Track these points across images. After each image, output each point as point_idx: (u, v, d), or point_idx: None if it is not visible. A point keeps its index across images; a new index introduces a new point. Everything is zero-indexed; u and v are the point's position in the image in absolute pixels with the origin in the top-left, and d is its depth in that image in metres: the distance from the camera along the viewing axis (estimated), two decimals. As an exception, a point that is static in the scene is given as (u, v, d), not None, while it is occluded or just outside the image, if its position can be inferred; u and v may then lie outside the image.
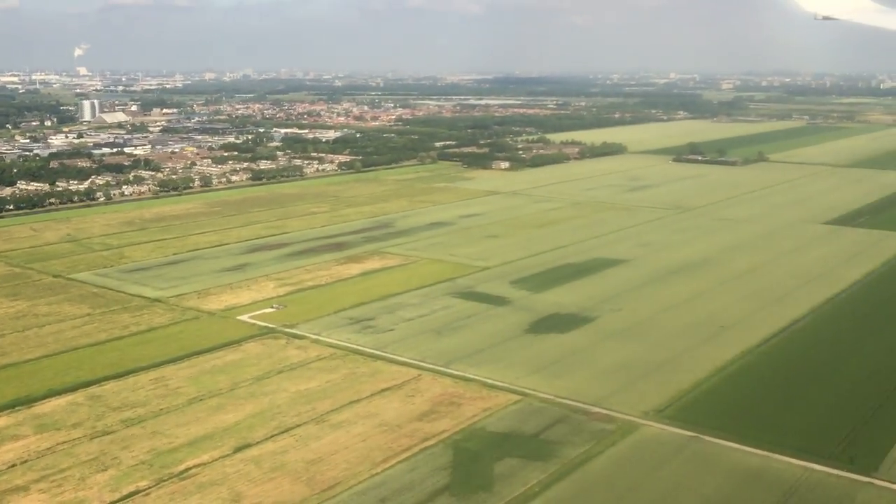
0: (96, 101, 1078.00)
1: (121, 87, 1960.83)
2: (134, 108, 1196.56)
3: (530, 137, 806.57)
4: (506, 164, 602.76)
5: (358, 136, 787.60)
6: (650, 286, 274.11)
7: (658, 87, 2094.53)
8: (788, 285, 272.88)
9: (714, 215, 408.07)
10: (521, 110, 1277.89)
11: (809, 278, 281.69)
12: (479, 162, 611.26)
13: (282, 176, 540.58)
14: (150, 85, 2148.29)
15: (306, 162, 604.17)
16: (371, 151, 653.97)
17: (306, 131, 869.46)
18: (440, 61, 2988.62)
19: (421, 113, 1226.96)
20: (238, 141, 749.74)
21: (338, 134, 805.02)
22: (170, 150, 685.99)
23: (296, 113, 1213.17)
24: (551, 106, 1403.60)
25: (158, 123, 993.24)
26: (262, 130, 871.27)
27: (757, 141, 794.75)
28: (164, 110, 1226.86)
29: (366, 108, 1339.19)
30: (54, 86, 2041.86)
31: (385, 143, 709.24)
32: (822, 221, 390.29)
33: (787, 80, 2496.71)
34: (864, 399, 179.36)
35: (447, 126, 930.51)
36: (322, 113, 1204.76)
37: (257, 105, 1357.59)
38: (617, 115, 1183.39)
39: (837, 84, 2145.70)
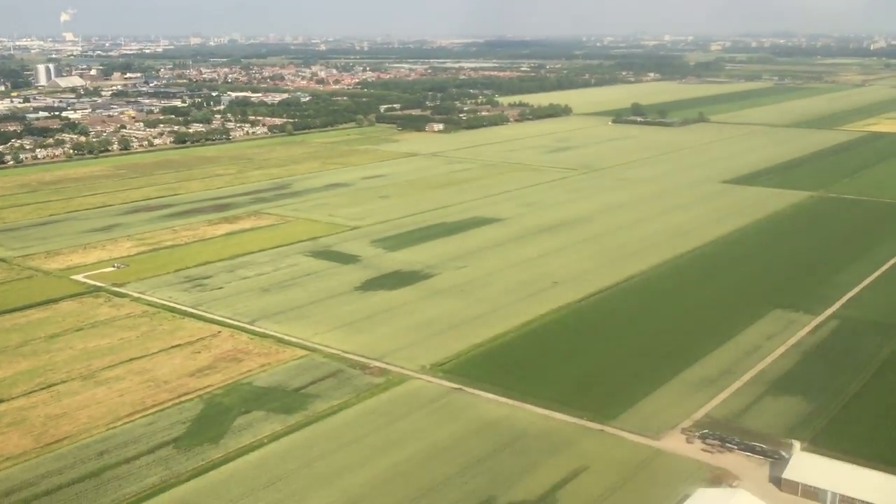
0: (51, 66, 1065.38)
1: (98, 52, 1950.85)
2: (94, 72, 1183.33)
3: (478, 100, 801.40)
4: (440, 127, 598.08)
5: (305, 99, 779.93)
6: (510, 244, 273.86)
7: (646, 49, 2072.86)
8: (646, 243, 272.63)
9: (618, 175, 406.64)
10: (493, 73, 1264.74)
11: (671, 236, 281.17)
12: (415, 124, 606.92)
13: (207, 139, 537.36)
14: (131, 50, 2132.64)
15: (239, 125, 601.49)
16: (310, 115, 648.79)
17: (260, 95, 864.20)
18: (433, 25, 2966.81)
19: (388, 76, 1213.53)
20: (184, 104, 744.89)
21: (284, 97, 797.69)
22: (108, 113, 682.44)
23: (260, 77, 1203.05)
24: (525, 68, 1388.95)
25: (114, 87, 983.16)
26: (215, 94, 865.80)
27: (711, 102, 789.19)
28: (129, 74, 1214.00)
29: (334, 71, 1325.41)
30: (33, 51, 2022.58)
31: (328, 107, 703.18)
32: (721, 181, 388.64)
33: (782, 41, 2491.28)
34: (637, 356, 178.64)
35: (405, 89, 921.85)
36: (286, 77, 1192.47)
37: (225, 69, 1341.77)
38: (586, 77, 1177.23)
39: (829, 45, 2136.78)
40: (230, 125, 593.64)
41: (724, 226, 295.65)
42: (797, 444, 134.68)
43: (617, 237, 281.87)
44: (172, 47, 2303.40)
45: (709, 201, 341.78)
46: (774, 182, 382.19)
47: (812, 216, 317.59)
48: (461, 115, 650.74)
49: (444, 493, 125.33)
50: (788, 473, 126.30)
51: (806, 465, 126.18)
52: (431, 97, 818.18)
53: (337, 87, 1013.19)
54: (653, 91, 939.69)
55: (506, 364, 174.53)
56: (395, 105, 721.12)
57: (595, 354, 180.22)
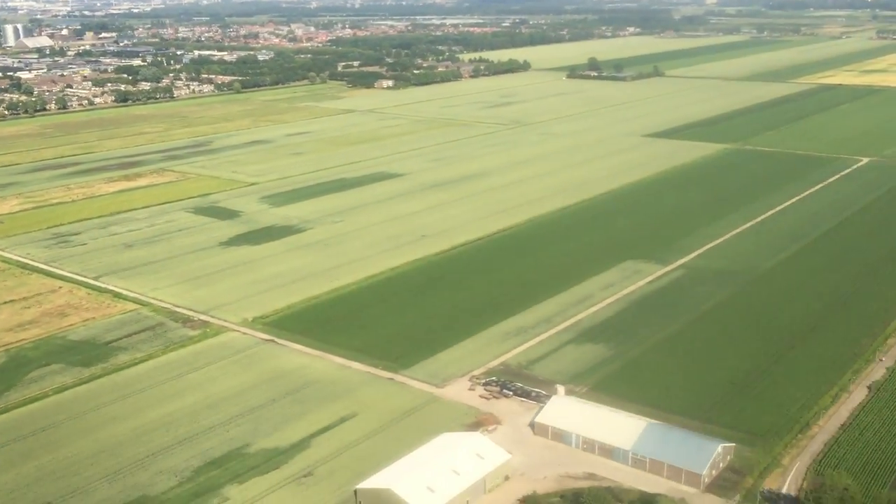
0: (20, 26, 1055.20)
1: (85, 13, 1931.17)
2: (65, 32, 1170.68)
3: (440, 56, 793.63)
4: (389, 83, 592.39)
5: (264, 57, 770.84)
6: (399, 199, 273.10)
7: (640, 3, 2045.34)
8: (536, 196, 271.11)
9: (544, 130, 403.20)
10: (473, 29, 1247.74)
11: (564, 189, 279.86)
12: (364, 81, 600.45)
13: (150, 98, 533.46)
14: (119, 10, 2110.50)
15: (188, 84, 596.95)
16: (263, 73, 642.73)
17: (225, 53, 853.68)
18: None
19: (366, 33, 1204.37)
20: (143, 64, 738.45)
21: (242, 55, 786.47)
22: (63, 73, 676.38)
23: (235, 35, 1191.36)
24: (506, 24, 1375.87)
25: (82, 47, 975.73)
26: (180, 53, 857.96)
27: (678, 56, 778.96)
28: (103, 34, 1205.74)
29: (312, 29, 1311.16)
30: (20, 12, 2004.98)
31: (284, 65, 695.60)
32: (644, 134, 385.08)
33: None
34: (465, 308, 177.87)
35: (373, 46, 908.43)
36: (261, 35, 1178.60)
37: (203, 28, 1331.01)
38: (563, 32, 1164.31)
39: None
40: (179, 83, 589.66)
41: (623, 179, 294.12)
42: (561, 389, 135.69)
43: (510, 191, 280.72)
44: (163, 6, 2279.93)
45: (619, 155, 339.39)
46: (696, 135, 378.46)
47: (714, 169, 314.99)
48: (415, 72, 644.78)
49: (200, 441, 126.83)
50: (540, 417, 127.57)
51: (558, 410, 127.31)
52: (396, 54, 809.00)
53: (308, 44, 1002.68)
54: (625, 46, 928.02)
55: (330, 316, 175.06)
56: (353, 62, 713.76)
57: (423, 307, 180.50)
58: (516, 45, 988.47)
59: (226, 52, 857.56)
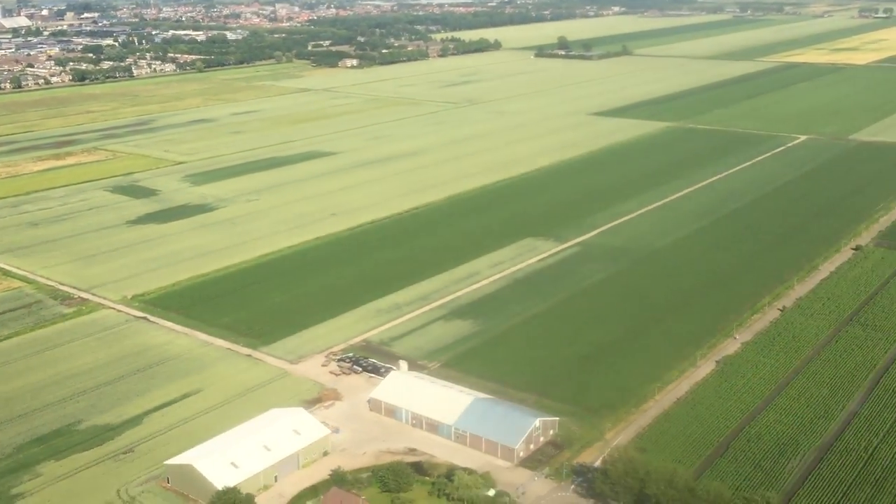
0: (1, 7, 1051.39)
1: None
2: (45, 12, 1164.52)
3: (412, 36, 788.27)
4: (354, 62, 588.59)
5: (235, 37, 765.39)
6: (323, 177, 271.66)
7: None
8: (463, 174, 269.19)
9: (494, 108, 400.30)
10: (457, 9, 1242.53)
11: (493, 167, 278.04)
12: (329, 60, 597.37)
13: (108, 77, 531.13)
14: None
15: (150, 63, 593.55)
16: (228, 52, 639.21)
17: (201, 33, 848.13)
18: None
19: (349, 13, 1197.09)
20: (114, 43, 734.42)
21: (212, 35, 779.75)
22: (30, 52, 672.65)
23: (217, 15, 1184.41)
24: (492, 4, 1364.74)
25: (60, 27, 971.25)
26: (154, 33, 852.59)
27: (653, 35, 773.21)
28: (86, 15, 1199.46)
29: (296, 9, 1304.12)
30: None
31: (253, 44, 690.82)
32: (593, 112, 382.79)
33: None
34: (347, 285, 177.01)
35: (349, 26, 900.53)
36: (243, 15, 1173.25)
37: (185, 9, 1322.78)
38: (546, 12, 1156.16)
39: None
40: (143, 63, 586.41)
41: (554, 157, 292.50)
42: (404, 365, 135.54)
43: (437, 169, 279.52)
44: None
45: (560, 133, 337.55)
46: (644, 114, 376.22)
47: (649, 147, 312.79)
48: (384, 51, 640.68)
49: (34, 418, 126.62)
50: (375, 393, 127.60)
51: (393, 386, 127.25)
52: (370, 33, 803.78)
53: (286, 24, 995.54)
54: (604, 25, 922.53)
55: (211, 294, 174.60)
56: (323, 42, 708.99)
57: (306, 284, 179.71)
58: (496, 24, 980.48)
59: (200, 32, 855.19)
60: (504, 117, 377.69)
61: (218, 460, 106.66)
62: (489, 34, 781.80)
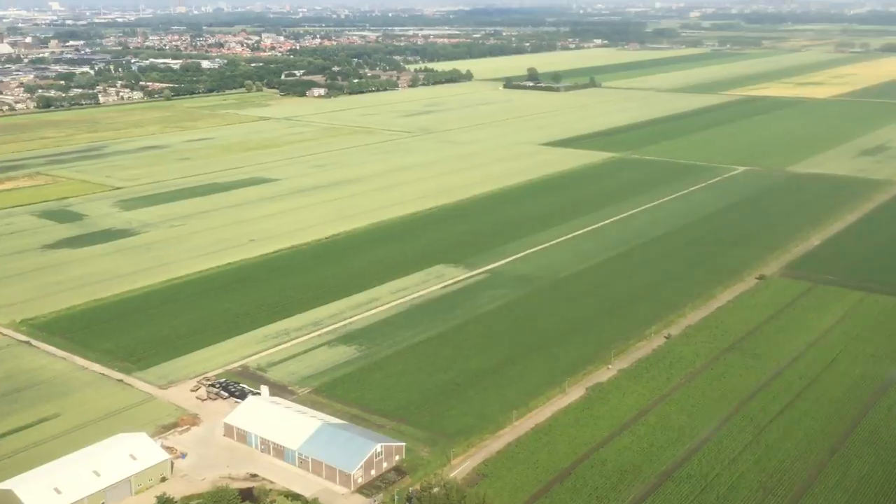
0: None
1: (69, 22, 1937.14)
2: (29, 40, 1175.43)
3: (385, 66, 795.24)
4: (322, 92, 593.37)
5: (211, 65, 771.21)
6: (255, 203, 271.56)
7: (626, 16, 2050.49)
8: (389, 202, 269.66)
9: (447, 138, 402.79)
10: (440, 40, 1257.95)
11: (424, 196, 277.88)
12: (297, 89, 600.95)
13: (74, 104, 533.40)
14: (104, 19, 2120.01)
15: (120, 90, 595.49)
16: (199, 80, 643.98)
17: (180, 61, 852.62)
18: None
19: (333, 43, 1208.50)
20: (91, 71, 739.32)
21: (187, 63, 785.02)
22: (4, 79, 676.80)
23: (203, 44, 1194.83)
24: (477, 36, 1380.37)
25: (41, 55, 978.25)
26: (133, 61, 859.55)
27: (626, 67, 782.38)
28: (71, 42, 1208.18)
29: (282, 39, 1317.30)
30: (4, 21, 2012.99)
31: (226, 73, 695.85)
32: (544, 142, 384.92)
33: (770, 8, 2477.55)
34: (244, 311, 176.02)
35: (327, 55, 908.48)
36: (226, 44, 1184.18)
37: (172, 37, 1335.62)
38: (527, 45, 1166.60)
39: (798, 12, 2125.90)
40: (112, 90, 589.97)
41: (491, 186, 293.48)
42: (265, 390, 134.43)
43: (370, 197, 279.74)
44: (151, 16, 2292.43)
45: (504, 163, 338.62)
46: (593, 145, 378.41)
47: (588, 177, 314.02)
48: (355, 81, 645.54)
49: None
50: (230, 419, 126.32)
51: (248, 411, 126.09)
52: (346, 63, 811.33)
53: (268, 53, 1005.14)
54: (582, 57, 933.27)
55: (103, 318, 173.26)
56: (296, 72, 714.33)
57: (202, 310, 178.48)
58: (474, 55, 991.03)
59: (179, 61, 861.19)
60: (454, 147, 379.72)
61: (40, 486, 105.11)
62: (465, 65, 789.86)
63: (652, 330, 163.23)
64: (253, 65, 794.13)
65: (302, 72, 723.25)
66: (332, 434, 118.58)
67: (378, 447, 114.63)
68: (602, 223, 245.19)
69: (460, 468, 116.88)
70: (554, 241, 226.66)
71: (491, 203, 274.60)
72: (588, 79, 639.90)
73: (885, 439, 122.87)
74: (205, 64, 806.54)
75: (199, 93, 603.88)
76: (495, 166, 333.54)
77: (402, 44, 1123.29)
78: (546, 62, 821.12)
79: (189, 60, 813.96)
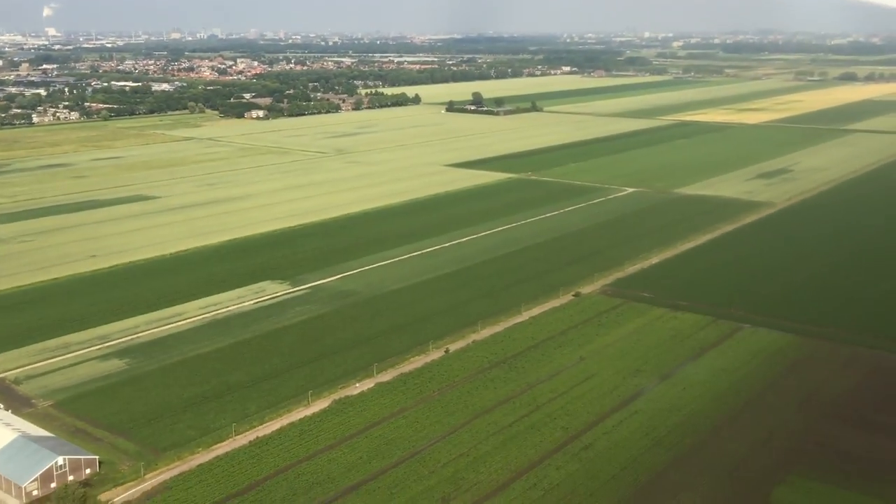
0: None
1: (58, 46, 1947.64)
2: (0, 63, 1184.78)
3: (339, 90, 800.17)
4: (261, 114, 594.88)
5: (163, 88, 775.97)
6: (122, 220, 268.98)
7: (610, 45, 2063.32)
8: (256, 220, 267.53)
9: (356, 159, 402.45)
10: (414, 66, 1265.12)
11: (290, 215, 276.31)
12: (236, 111, 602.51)
13: (6, 123, 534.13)
14: (93, 45, 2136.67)
15: (59, 111, 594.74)
16: (140, 102, 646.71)
17: (140, 83, 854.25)
18: (420, 22, 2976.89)
19: (304, 68, 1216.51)
20: (45, 93, 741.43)
21: (138, 85, 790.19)
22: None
23: (177, 69, 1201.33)
24: (450, 62, 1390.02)
25: (9, 77, 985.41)
26: (94, 83, 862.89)
27: (579, 94, 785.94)
28: (45, 66, 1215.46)
29: (255, 64, 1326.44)
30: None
31: (172, 95, 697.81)
32: (451, 164, 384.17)
33: (751, 38, 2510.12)
34: (25, 329, 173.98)
35: (285, 80, 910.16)
36: (196, 69, 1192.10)
37: (149, 62, 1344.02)
38: (492, 71, 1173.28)
39: (778, 42, 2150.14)
40: (52, 111, 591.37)
41: (370, 205, 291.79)
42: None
43: (240, 215, 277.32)
44: (142, 41, 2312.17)
45: (399, 183, 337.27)
46: (498, 166, 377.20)
47: (473, 196, 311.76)
48: (301, 104, 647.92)
49: None
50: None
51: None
52: (303, 86, 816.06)
53: (231, 77, 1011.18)
54: (540, 83, 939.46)
55: None
56: (245, 95, 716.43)
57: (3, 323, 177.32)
58: (436, 81, 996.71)
59: (140, 83, 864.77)
60: (358, 167, 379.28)
61: None
62: (421, 90, 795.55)
63: (435, 345, 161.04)
64: (210, 87, 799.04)
65: (252, 94, 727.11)
66: (21, 447, 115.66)
67: (60, 460, 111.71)
68: (459, 241, 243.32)
69: (151, 481, 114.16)
70: (401, 258, 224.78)
71: (363, 221, 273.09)
72: (530, 103, 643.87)
73: (597, 450, 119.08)
74: (164, 86, 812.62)
75: (139, 114, 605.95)
76: (388, 186, 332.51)
77: (366, 69, 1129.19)
78: (502, 88, 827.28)
79: (145, 83, 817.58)
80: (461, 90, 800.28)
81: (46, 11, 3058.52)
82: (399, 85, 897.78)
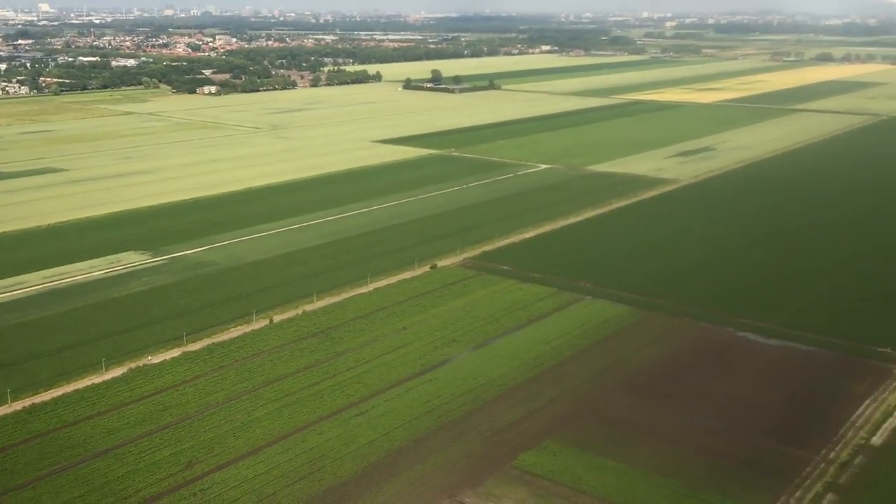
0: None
1: (45, 22, 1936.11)
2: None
3: (305, 67, 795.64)
4: (213, 90, 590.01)
5: (125, 63, 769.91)
6: (12, 193, 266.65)
7: (604, 25, 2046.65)
8: (153, 193, 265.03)
9: (286, 134, 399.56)
10: (394, 44, 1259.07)
11: (189, 188, 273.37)
12: (188, 87, 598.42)
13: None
14: (83, 20, 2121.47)
15: (8, 86, 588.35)
16: (94, 77, 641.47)
17: (108, 59, 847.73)
18: (416, 0, 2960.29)
19: (280, 45, 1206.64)
20: (3, 67, 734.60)
21: (105, 60, 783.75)
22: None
23: (154, 45, 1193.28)
24: (431, 41, 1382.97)
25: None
26: (64, 60, 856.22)
27: (547, 72, 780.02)
28: (21, 41, 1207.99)
29: (234, 41, 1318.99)
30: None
31: (129, 71, 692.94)
32: (379, 139, 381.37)
33: (746, 18, 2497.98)
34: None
35: (251, 56, 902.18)
36: (170, 45, 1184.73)
37: (126, 37, 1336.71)
38: (466, 51, 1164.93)
39: (784, 23, 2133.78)
40: (3, 84, 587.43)
41: (274, 179, 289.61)
42: None
43: (140, 188, 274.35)
44: (133, 17, 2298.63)
45: (320, 157, 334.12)
46: (426, 143, 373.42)
47: (388, 171, 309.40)
48: (257, 80, 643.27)
49: None
50: None
51: None
52: (269, 62, 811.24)
53: (200, 54, 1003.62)
54: (511, 61, 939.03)
55: None
56: (205, 71, 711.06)
57: None
58: (409, 59, 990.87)
59: (109, 58, 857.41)
60: (284, 142, 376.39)
61: None
62: (385, 67, 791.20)
63: (261, 316, 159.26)
64: (174, 63, 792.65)
65: (213, 70, 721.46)
66: None
67: None
68: (345, 214, 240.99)
69: None
70: (278, 231, 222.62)
71: (261, 195, 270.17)
72: (487, 82, 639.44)
73: (368, 417, 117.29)
74: (130, 62, 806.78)
75: (91, 89, 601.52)
76: (303, 161, 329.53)
77: (341, 47, 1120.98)
78: (472, 66, 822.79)
79: (103, 59, 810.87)
80: (429, 68, 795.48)
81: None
82: (371, 62, 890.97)
